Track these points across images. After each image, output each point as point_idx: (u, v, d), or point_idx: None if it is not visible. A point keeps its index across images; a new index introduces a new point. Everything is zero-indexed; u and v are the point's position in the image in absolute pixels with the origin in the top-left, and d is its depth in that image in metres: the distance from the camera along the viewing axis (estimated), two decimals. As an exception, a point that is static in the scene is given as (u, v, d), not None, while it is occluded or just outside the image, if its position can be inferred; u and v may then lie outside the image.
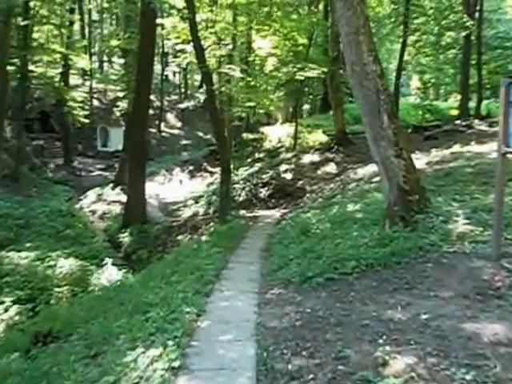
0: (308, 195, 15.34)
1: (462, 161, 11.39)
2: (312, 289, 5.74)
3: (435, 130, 19.50)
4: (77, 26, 39.14)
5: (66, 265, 13.16)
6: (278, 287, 6.16)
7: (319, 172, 17.66)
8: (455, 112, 29.18)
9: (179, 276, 6.90)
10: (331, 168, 17.71)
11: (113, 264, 13.96)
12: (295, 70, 17.62)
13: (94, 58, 48.88)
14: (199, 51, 14.46)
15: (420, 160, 12.09)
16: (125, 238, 17.58)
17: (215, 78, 14.81)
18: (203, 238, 10.63)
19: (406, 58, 26.69)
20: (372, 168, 14.77)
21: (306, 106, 39.95)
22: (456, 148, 13.89)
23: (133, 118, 19.51)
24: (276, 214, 14.70)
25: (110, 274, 13.52)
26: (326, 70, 17.95)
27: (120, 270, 13.80)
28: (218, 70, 15.67)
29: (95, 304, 7.63)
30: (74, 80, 38.17)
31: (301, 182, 17.15)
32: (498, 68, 29.81)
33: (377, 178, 12.82)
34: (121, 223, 18.58)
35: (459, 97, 36.49)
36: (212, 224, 14.38)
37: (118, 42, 26.46)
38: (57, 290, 11.80)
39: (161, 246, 16.68)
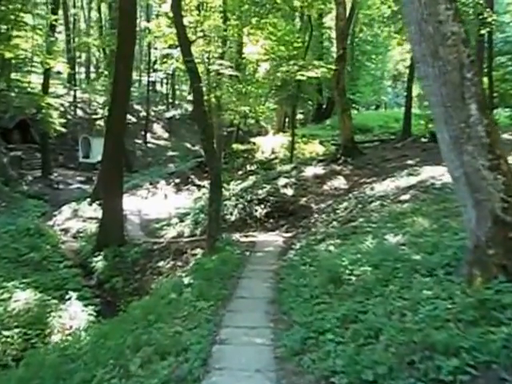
0: (316, 216, 12.77)
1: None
2: (378, 409, 3.14)
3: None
4: (63, 36, 37.07)
5: (21, 299, 11.07)
6: (311, 394, 3.56)
7: (326, 187, 15.11)
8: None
9: (143, 366, 4.18)
10: (340, 182, 15.20)
11: (79, 297, 11.78)
12: (296, 68, 15.20)
13: (82, 69, 47.23)
14: (184, 43, 11.97)
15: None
16: (98, 262, 15.33)
17: (204, 83, 12.61)
18: (185, 279, 7.86)
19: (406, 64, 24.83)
20: (393, 183, 12.36)
21: (299, 116, 38.37)
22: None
23: (109, 125, 17.24)
24: (278, 239, 12.08)
25: (74, 311, 11.28)
26: (333, 67, 15.61)
27: (87, 306, 11.56)
28: (207, 66, 13.19)
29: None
30: (58, 90, 36.87)
31: (304, 199, 14.60)
32: (507, 75, 27.84)
33: (405, 197, 10.33)
34: (95, 244, 16.28)
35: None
36: (199, 250, 11.83)
37: (94, 41, 24.16)
38: (6, 333, 9.66)
39: (139, 273, 14.50)
